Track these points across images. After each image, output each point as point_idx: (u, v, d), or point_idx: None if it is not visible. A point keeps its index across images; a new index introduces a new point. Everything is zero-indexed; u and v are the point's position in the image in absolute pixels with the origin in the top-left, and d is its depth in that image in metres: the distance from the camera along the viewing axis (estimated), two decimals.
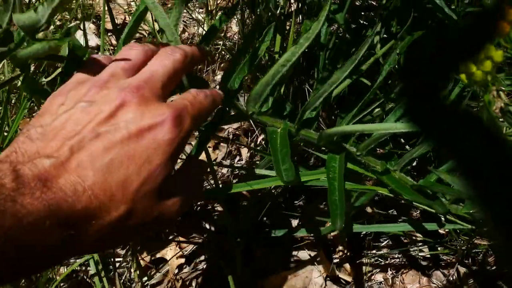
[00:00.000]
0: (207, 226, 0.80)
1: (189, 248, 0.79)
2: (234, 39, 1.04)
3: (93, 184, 0.33)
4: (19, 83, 0.87)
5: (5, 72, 0.87)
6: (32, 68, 0.91)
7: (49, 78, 0.48)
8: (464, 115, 0.16)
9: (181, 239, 0.80)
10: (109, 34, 1.07)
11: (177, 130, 0.37)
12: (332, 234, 0.75)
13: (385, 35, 0.75)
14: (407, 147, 0.75)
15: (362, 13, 0.86)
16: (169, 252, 0.79)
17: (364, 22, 0.85)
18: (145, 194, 0.36)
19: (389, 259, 0.74)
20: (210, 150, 0.88)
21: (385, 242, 0.75)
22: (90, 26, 1.08)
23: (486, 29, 0.17)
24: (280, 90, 0.59)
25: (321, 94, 0.49)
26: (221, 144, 0.91)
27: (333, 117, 0.78)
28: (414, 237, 0.74)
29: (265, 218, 0.76)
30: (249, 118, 0.51)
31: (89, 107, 0.37)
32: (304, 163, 0.73)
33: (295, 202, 0.79)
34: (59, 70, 0.47)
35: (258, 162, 0.85)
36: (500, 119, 0.40)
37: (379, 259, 0.74)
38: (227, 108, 0.52)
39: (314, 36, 0.43)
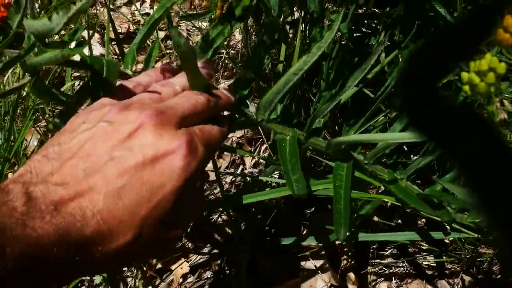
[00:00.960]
0: (212, 235, 0.80)
1: (194, 257, 0.78)
2: (238, 47, 1.04)
3: (103, 209, 0.33)
4: (24, 93, 0.87)
5: (10, 81, 0.87)
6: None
7: (66, 86, 0.48)
8: (468, 117, 0.16)
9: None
10: (113, 43, 1.08)
11: (190, 157, 0.37)
12: (337, 242, 0.75)
13: (388, 43, 0.76)
14: (411, 155, 0.75)
15: (365, 21, 0.86)
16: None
17: (367, 31, 0.86)
18: (153, 220, 0.36)
19: (393, 268, 0.74)
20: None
21: (390, 251, 0.75)
22: (94, 35, 1.09)
23: (485, 26, 0.17)
24: (288, 99, 0.59)
25: (331, 103, 0.50)
26: (225, 153, 0.91)
27: (336, 127, 0.78)
28: (419, 246, 0.74)
29: (270, 227, 0.76)
30: (259, 125, 0.52)
31: (108, 127, 0.37)
32: (311, 170, 0.73)
33: (301, 210, 0.79)
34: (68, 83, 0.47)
35: (262, 170, 0.85)
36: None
37: (384, 268, 0.74)
38: (236, 115, 0.52)
39: (327, 45, 0.44)
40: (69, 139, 0.37)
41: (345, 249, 0.76)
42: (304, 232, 0.77)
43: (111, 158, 0.35)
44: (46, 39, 0.45)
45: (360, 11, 0.88)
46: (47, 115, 0.89)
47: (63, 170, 0.35)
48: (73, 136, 0.37)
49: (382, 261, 0.74)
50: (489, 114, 0.37)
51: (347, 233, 0.50)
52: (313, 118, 0.51)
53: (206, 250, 0.78)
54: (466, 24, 0.17)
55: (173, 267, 0.77)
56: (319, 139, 0.54)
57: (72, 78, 0.96)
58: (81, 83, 0.97)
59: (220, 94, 0.46)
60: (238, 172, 0.88)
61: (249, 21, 0.92)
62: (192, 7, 1.19)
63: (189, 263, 0.78)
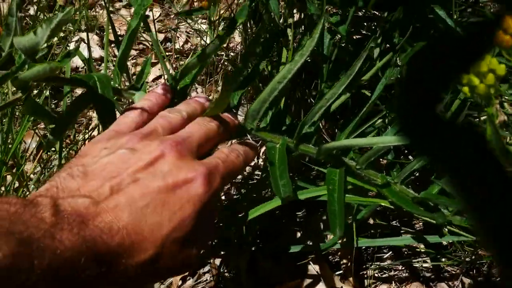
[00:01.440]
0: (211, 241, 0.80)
1: None
2: (237, 49, 1.04)
3: (127, 225, 0.36)
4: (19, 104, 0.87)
5: (10, 92, 0.88)
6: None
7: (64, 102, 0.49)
8: (462, 130, 0.16)
9: None
10: (112, 45, 1.08)
11: (207, 187, 0.40)
12: (334, 247, 0.75)
13: (387, 45, 0.75)
14: (410, 157, 0.74)
15: (365, 23, 0.85)
16: None
17: (367, 33, 0.85)
18: (173, 240, 0.38)
19: (392, 271, 0.73)
20: None
21: (388, 253, 0.74)
22: (93, 38, 1.09)
23: (486, 39, 0.16)
24: (279, 105, 0.59)
25: (318, 110, 0.50)
26: None
27: (336, 128, 0.78)
28: (417, 248, 0.73)
29: (270, 228, 0.76)
30: (248, 134, 0.52)
31: (130, 153, 0.40)
32: (305, 176, 0.73)
33: (298, 213, 0.79)
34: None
35: (257, 178, 0.84)
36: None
37: (383, 271, 0.73)
38: None
39: (309, 53, 0.44)
40: (92, 162, 0.40)
41: (345, 251, 0.76)
42: (304, 234, 0.77)
43: (134, 180, 0.38)
44: (35, 55, 0.46)
45: (359, 13, 0.87)
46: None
47: (89, 188, 0.37)
48: (96, 159, 0.40)
49: (381, 264, 0.73)
50: (488, 116, 0.36)
51: (343, 232, 0.51)
52: (302, 124, 0.51)
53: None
54: (467, 36, 0.17)
55: None
56: (309, 145, 0.54)
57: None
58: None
59: (226, 118, 0.49)
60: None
61: (248, 23, 0.91)
62: (192, 8, 1.19)
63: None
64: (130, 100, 0.52)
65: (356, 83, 0.63)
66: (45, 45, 0.43)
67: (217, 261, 0.78)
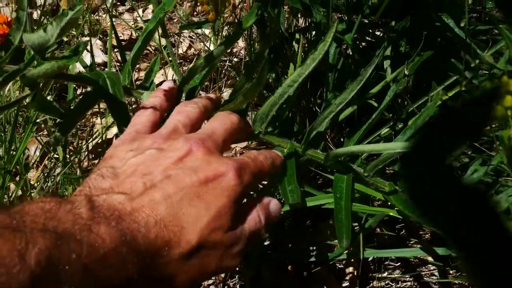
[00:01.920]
0: None
1: None
2: (241, 55, 1.04)
3: (165, 217, 0.36)
4: (25, 103, 0.87)
5: (11, 93, 0.87)
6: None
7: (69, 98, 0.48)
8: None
9: None
10: (115, 50, 1.08)
11: (239, 179, 0.40)
12: (340, 257, 0.74)
13: (393, 52, 0.74)
14: None
15: (370, 30, 0.85)
16: None
17: (373, 40, 0.85)
18: (213, 230, 0.38)
19: (400, 282, 0.72)
20: None
21: (396, 264, 0.73)
22: (96, 42, 1.09)
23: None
24: (287, 110, 0.58)
25: (327, 115, 0.49)
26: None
27: (342, 138, 0.77)
28: (424, 259, 0.72)
29: (274, 239, 0.75)
30: (256, 137, 0.51)
31: (157, 153, 0.41)
32: (312, 182, 0.72)
33: (305, 223, 0.78)
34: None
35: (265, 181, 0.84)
36: None
37: (390, 282, 0.72)
38: None
39: (321, 57, 0.43)
40: (121, 163, 0.40)
41: (351, 261, 0.75)
42: (310, 243, 0.76)
43: (166, 176, 0.38)
44: (45, 53, 0.45)
45: (366, 20, 0.87)
46: (49, 125, 0.89)
47: (122, 186, 0.38)
48: (124, 161, 0.41)
49: (388, 275, 0.72)
50: (503, 139, 0.36)
51: (350, 243, 0.50)
52: (311, 130, 0.51)
53: None
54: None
55: None
56: (317, 151, 0.53)
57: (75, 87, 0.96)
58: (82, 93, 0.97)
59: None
60: None
61: (252, 29, 0.91)
62: (195, 13, 1.19)
63: None
64: (134, 100, 0.52)
65: (364, 95, 0.62)
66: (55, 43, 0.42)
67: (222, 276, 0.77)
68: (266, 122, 0.50)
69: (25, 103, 0.84)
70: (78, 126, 0.92)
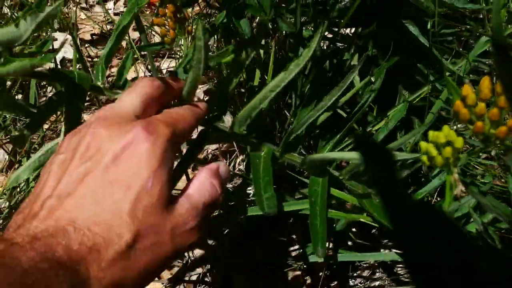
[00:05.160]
0: (186, 253, 0.78)
1: (165, 275, 0.76)
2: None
3: (84, 222, 0.32)
4: None
5: None
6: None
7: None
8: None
9: None
10: (86, 45, 1.05)
11: (152, 137, 0.35)
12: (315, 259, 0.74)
13: (357, 53, 0.76)
14: None
15: (337, 37, 0.86)
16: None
17: (342, 45, 0.86)
18: (144, 211, 0.33)
19: (372, 281, 0.73)
20: (189, 171, 0.86)
21: (365, 264, 0.75)
22: (67, 37, 1.06)
23: None
24: (265, 114, 0.58)
25: (307, 120, 0.49)
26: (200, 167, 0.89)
27: (311, 141, 0.78)
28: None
29: (244, 244, 0.75)
30: (233, 139, 0.51)
31: (63, 158, 0.37)
32: (286, 185, 0.72)
33: (278, 226, 0.78)
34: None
35: (237, 183, 0.83)
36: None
37: (364, 281, 0.73)
38: (210, 129, 0.51)
39: (305, 63, 0.43)
40: (39, 189, 0.36)
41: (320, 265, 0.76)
42: (279, 249, 0.77)
43: (75, 180, 0.34)
44: (13, 49, 0.43)
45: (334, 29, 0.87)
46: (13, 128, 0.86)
47: (33, 211, 0.34)
48: (39, 183, 0.37)
49: (361, 274, 0.74)
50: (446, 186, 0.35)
51: (325, 253, 0.49)
52: (289, 134, 0.51)
53: (180, 266, 0.77)
54: None
55: None
56: (294, 154, 0.53)
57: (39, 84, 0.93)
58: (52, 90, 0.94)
59: (169, 80, 0.45)
60: None
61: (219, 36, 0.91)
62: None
63: (164, 283, 0.76)
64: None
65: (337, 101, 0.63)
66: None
67: (194, 277, 0.77)
68: (245, 125, 0.49)
69: None
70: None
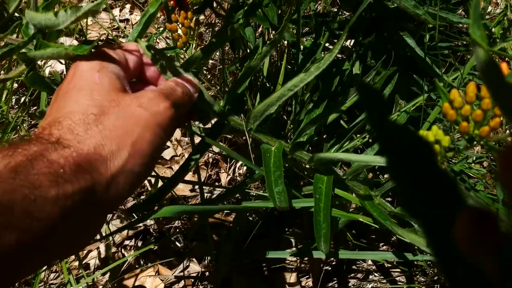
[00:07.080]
0: (185, 253, 0.80)
1: (168, 274, 0.77)
2: (216, 67, 1.06)
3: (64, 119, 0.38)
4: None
5: None
6: None
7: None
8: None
9: (160, 267, 0.78)
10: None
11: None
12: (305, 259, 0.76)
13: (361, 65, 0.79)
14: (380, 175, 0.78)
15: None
16: (148, 280, 0.77)
17: (342, 56, 0.90)
18: (99, 94, 0.41)
19: (368, 282, 0.75)
20: (190, 174, 0.88)
21: (362, 265, 0.77)
22: (73, 43, 1.08)
23: None
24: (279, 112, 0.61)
25: (318, 119, 0.52)
26: (201, 167, 0.91)
27: (319, 145, 0.80)
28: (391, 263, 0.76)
29: (247, 243, 0.77)
30: (247, 133, 0.53)
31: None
32: (293, 182, 0.74)
33: (280, 225, 0.80)
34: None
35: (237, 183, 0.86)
36: None
37: (361, 281, 0.75)
38: (225, 121, 0.54)
39: (326, 66, 0.46)
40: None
41: (324, 262, 0.78)
42: (283, 248, 0.78)
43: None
44: (46, 34, 0.46)
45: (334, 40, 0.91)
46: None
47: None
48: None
49: (357, 276, 0.75)
50: None
51: (328, 249, 0.51)
52: (300, 132, 0.53)
53: (181, 268, 0.78)
54: None
55: (147, 285, 0.76)
56: (303, 152, 0.56)
57: None
58: None
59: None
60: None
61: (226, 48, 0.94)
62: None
63: (164, 282, 0.77)
64: None
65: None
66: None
67: (193, 277, 0.78)
68: (259, 120, 0.52)
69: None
70: None
